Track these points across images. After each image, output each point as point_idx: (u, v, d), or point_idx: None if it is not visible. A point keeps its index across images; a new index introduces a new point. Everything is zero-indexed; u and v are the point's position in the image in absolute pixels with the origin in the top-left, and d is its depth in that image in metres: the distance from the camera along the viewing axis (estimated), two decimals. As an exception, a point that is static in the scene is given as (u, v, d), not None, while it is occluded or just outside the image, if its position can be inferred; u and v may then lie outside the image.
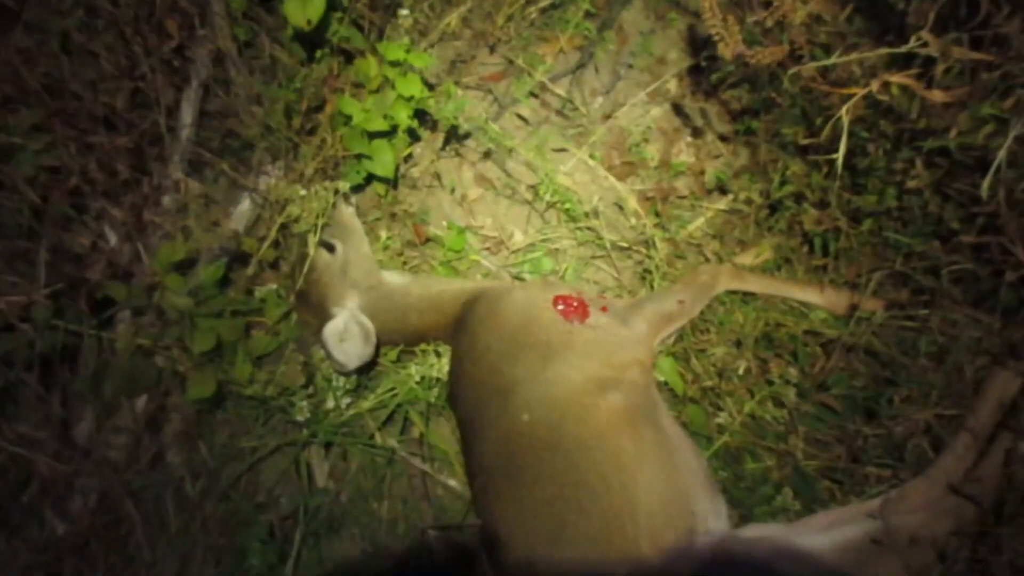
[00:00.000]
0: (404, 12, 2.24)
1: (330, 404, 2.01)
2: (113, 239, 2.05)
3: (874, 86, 1.68)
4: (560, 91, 2.62)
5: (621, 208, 2.42)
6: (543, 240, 2.39)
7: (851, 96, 1.72)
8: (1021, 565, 1.56)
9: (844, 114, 1.66)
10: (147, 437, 1.93)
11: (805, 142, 2.03)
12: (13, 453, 1.75)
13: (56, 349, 1.84)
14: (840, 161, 1.71)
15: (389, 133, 2.25)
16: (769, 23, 1.87)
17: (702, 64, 2.55)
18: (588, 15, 2.69)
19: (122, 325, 1.98)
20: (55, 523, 1.77)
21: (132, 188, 2.05)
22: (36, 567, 1.75)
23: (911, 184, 1.84)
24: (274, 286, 2.15)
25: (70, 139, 1.95)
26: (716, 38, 1.80)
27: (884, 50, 1.70)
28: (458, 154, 2.52)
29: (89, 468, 1.82)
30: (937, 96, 1.58)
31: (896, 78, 1.67)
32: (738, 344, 2.11)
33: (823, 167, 2.05)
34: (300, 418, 1.96)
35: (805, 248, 2.20)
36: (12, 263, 1.85)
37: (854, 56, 1.82)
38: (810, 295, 2.12)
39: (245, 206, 2.25)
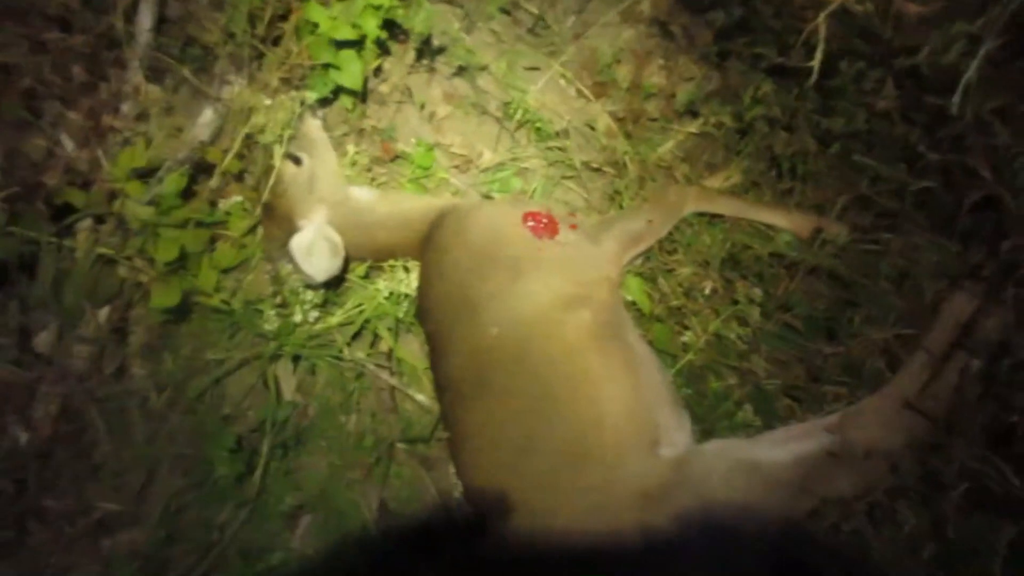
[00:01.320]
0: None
1: (298, 318, 2.00)
2: (70, 145, 1.98)
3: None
4: (532, 8, 2.56)
5: (592, 128, 2.41)
6: (512, 159, 2.37)
7: (826, 7, 1.71)
8: (969, 472, 1.63)
9: (821, 22, 1.65)
10: (111, 348, 1.90)
11: (778, 61, 2.02)
12: (-29, 360, 1.72)
13: (13, 255, 1.79)
14: (815, 72, 1.71)
15: (357, 43, 2.19)
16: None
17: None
18: (564, -73, 2.62)
19: (82, 233, 1.93)
20: (17, 431, 1.75)
21: (89, 92, 1.97)
22: (1, 473, 1.73)
23: (881, 106, 1.85)
24: (239, 198, 2.10)
25: (22, 36, 1.86)
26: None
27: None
28: (428, 70, 2.47)
29: (51, 376, 1.79)
30: (912, 9, 1.58)
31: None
32: (705, 265, 2.13)
33: (795, 88, 2.06)
34: (268, 327, 1.95)
35: (773, 172, 2.22)
36: (-36, 166, 1.78)
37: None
38: (776, 218, 2.14)
39: (208, 116, 2.18)
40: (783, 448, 1.78)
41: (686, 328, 2.08)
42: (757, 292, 2.07)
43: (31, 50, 1.86)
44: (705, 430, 1.95)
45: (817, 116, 2.05)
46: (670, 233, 2.13)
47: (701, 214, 2.16)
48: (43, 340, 1.85)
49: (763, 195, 2.20)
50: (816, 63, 1.68)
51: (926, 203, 1.94)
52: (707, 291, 2.11)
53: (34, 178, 1.81)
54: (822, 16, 1.60)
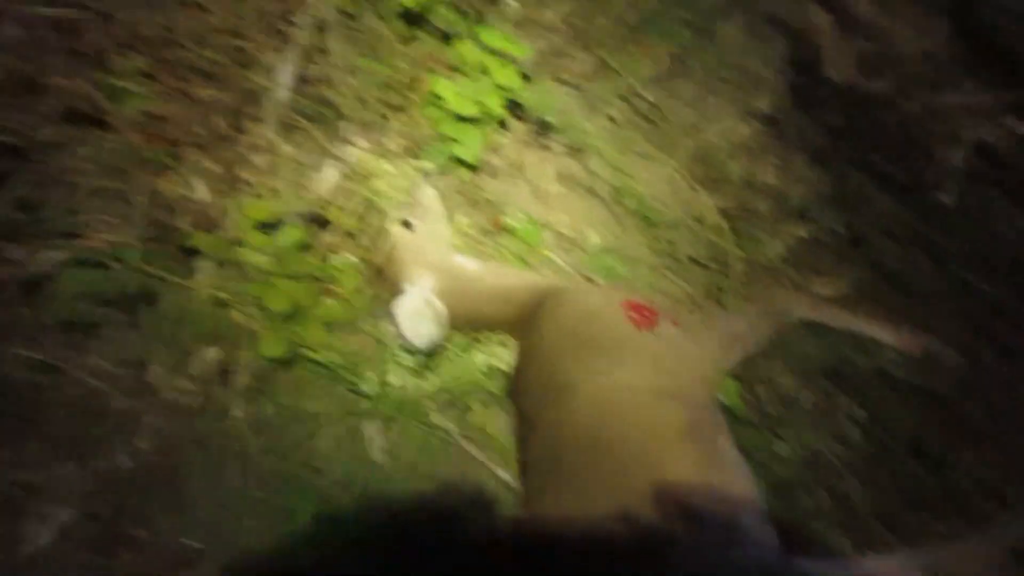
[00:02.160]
0: (512, 2, 2.24)
1: (393, 380, 2.04)
2: (203, 191, 2.09)
3: (987, 131, 1.65)
4: (650, 96, 2.60)
5: (700, 222, 2.41)
6: (618, 245, 2.39)
7: (958, 138, 1.69)
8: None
9: (953, 158, 1.63)
10: (215, 388, 1.97)
11: (901, 178, 1.99)
12: (93, 387, 1.80)
13: (139, 291, 1.89)
14: (948, 201, 1.68)
15: (479, 119, 2.26)
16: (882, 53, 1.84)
17: (799, 86, 2.51)
18: (686, 24, 2.68)
19: (203, 275, 2.02)
20: (122, 458, 1.82)
21: (227, 143, 2.09)
22: (100, 496, 1.80)
23: (1011, 236, 1.80)
24: (352, 257, 2.18)
25: (175, 89, 1.99)
26: (827, 62, 1.77)
27: (1004, 93, 1.66)
28: (543, 147, 2.52)
29: (159, 409, 1.86)
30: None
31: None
32: (805, 375, 2.09)
33: (917, 206, 2.02)
34: (367, 389, 1.99)
35: (885, 286, 2.17)
36: (109, 203, 1.91)
37: (968, 97, 1.78)
38: (886, 334, 2.08)
39: (330, 174, 2.27)
40: (875, 578, 1.70)
41: (780, 438, 2.03)
42: (859, 410, 2.00)
43: (181, 103, 1.99)
44: (793, 549, 1.88)
45: (937, 235, 2.01)
46: (773, 339, 2.10)
47: (807, 322, 2.12)
48: (155, 373, 1.93)
49: (873, 309, 2.15)
50: (949, 201, 1.65)
51: (1050, 338, 1.87)
52: (806, 403, 2.05)
53: (169, 220, 1.91)
54: (956, 153, 1.57)
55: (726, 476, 1.80)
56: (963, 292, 2.00)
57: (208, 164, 2.06)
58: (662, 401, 1.84)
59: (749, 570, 1.68)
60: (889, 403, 1.99)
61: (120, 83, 1.94)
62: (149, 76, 2.01)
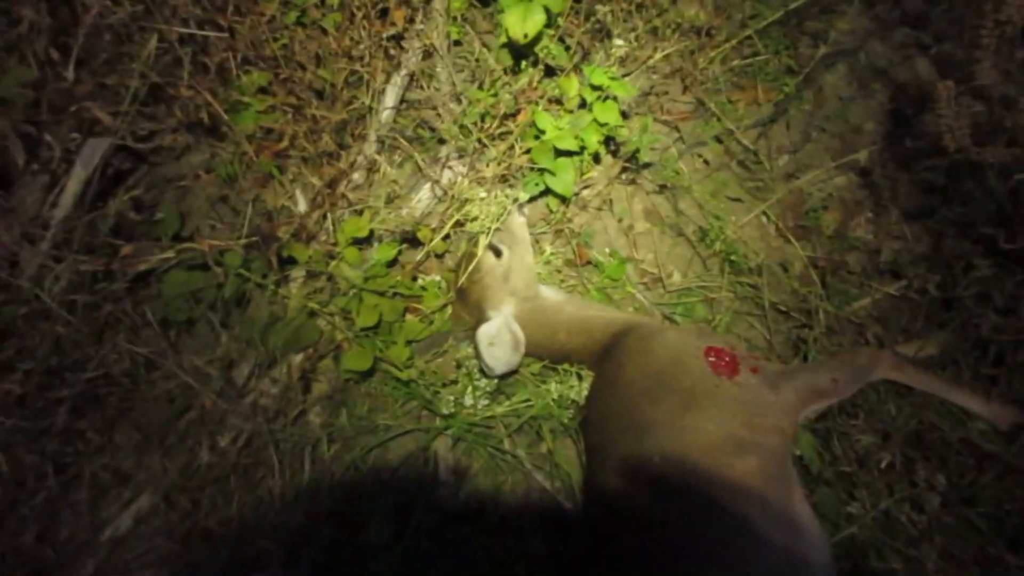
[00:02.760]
0: (619, 43, 2.27)
1: (468, 401, 2.07)
2: (303, 204, 2.18)
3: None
4: (746, 141, 2.59)
5: (786, 270, 2.38)
6: (701, 286, 2.38)
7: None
8: None
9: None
10: (296, 394, 2.04)
11: (1005, 246, 1.93)
12: (184, 382, 1.89)
13: (237, 294, 1.97)
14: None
15: (576, 153, 2.30)
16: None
17: (901, 141, 2.47)
18: (789, 71, 2.67)
19: (296, 285, 2.11)
20: (205, 453, 1.90)
21: (331, 160, 2.17)
22: (180, 488, 1.88)
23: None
24: (437, 277, 2.23)
25: (289, 106, 2.09)
26: (943, 128, 1.74)
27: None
28: (633, 183, 2.54)
29: (243, 409, 1.94)
30: None
31: None
32: (885, 436, 2.03)
33: (1016, 271, 1.96)
34: (444, 411, 2.03)
35: (977, 353, 2.10)
36: (215, 208, 2.00)
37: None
38: (973, 403, 2.01)
39: (425, 195, 2.34)
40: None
41: (854, 499, 1.98)
42: (940, 478, 1.94)
43: (293, 118, 2.08)
44: (859, 611, 1.83)
45: (1037, 306, 1.94)
46: (853, 396, 2.05)
47: (890, 382, 2.07)
48: (242, 374, 2.01)
49: (962, 375, 2.09)
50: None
51: None
52: (884, 464, 2.00)
53: (269, 229, 2.00)
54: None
55: (796, 529, 1.77)
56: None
57: (312, 178, 2.15)
58: (738, 450, 1.82)
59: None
60: (972, 474, 1.92)
61: (240, 97, 2.05)
62: (266, 91, 2.11)
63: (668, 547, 1.73)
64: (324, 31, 2.19)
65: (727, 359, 1.97)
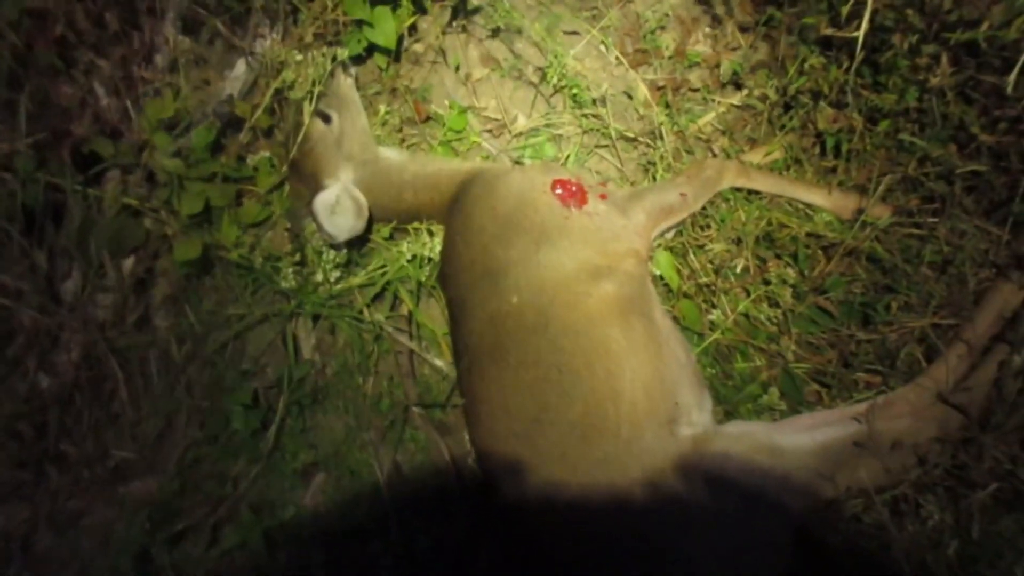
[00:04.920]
0: None
1: (319, 277, 1.99)
2: (101, 94, 1.97)
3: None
4: (575, -31, 2.48)
5: (630, 97, 2.33)
6: (547, 125, 2.32)
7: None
8: (1000, 471, 1.55)
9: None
10: (133, 299, 1.91)
11: (827, 32, 1.92)
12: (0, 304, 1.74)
13: (39, 202, 1.80)
14: (861, 39, 1.62)
15: (392, 1, 2.15)
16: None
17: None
18: None
19: (110, 183, 1.93)
20: (40, 376, 1.77)
21: (122, 42, 1.96)
22: (21, 417, 1.76)
23: (934, 82, 1.76)
24: (267, 155, 2.09)
25: (54, -17, 1.85)
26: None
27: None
28: (464, 31, 2.41)
29: (74, 324, 1.80)
30: (974, -21, 1.48)
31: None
32: (738, 242, 2.06)
33: (843, 62, 1.96)
34: (285, 285, 1.94)
35: (816, 148, 2.13)
36: (-5, 112, 1.79)
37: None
38: (816, 197, 2.05)
39: (240, 70, 2.16)
40: (807, 434, 1.72)
41: (714, 307, 2.02)
42: (791, 273, 1.99)
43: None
44: (728, 411, 1.90)
45: (866, 92, 1.96)
46: (704, 208, 2.06)
47: (738, 189, 2.08)
48: (68, 288, 1.86)
49: (804, 173, 2.12)
50: (861, 33, 1.59)
51: (976, 187, 1.85)
52: (739, 269, 2.04)
53: (63, 126, 1.81)
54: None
55: (660, 346, 1.79)
56: (894, 148, 1.96)
57: (103, 64, 1.94)
58: (593, 278, 1.81)
59: (685, 440, 1.69)
60: (821, 264, 1.98)
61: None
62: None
63: (533, 382, 1.73)
64: None
65: (574, 189, 1.93)
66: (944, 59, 1.74)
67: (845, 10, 1.80)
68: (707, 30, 2.45)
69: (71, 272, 1.87)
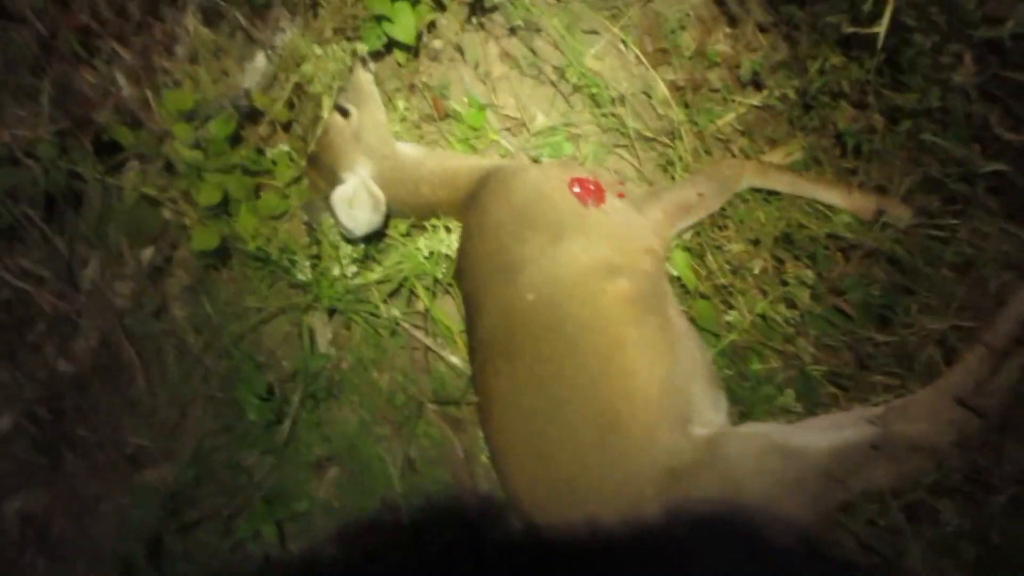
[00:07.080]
0: None
1: (336, 271, 1.99)
2: (123, 83, 1.99)
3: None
4: (595, -32, 2.48)
5: (649, 96, 2.32)
6: (565, 124, 2.31)
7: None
8: (1020, 476, 1.53)
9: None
10: (151, 288, 1.92)
11: (849, 30, 1.90)
12: (17, 287, 1.75)
13: (60, 189, 1.81)
14: (882, 37, 1.60)
15: (413, -4, 2.15)
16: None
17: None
18: None
19: (129, 172, 1.95)
20: (58, 361, 1.78)
21: (143, 32, 1.98)
22: (39, 401, 1.77)
23: (957, 81, 1.74)
24: (286, 147, 2.10)
25: (79, -26, 1.87)
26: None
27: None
28: (483, 28, 2.41)
29: (92, 311, 1.82)
30: (1000, -24, 1.46)
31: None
32: (756, 243, 2.05)
33: (864, 61, 1.94)
34: (302, 278, 1.94)
35: (837, 149, 2.11)
36: (18, 98, 1.81)
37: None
38: (836, 197, 2.03)
39: (260, 62, 2.17)
40: (823, 436, 1.70)
41: (731, 307, 2.01)
42: (809, 274, 1.97)
43: (89, -13, 1.87)
44: (743, 413, 1.88)
45: (887, 91, 1.94)
46: (722, 208, 2.05)
47: (757, 190, 2.07)
48: (86, 275, 1.88)
49: (824, 173, 2.10)
50: (882, 29, 1.57)
51: (999, 188, 1.83)
52: (756, 270, 2.02)
53: (85, 114, 1.82)
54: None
55: (675, 346, 1.78)
56: (916, 148, 1.94)
57: (125, 54, 1.96)
58: (609, 275, 1.80)
59: (699, 439, 1.68)
60: (840, 265, 1.96)
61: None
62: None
63: (546, 379, 1.72)
64: None
65: (592, 187, 1.93)
66: (967, 57, 1.72)
67: (866, 8, 1.79)
68: (727, 30, 2.43)
69: (89, 259, 1.89)
